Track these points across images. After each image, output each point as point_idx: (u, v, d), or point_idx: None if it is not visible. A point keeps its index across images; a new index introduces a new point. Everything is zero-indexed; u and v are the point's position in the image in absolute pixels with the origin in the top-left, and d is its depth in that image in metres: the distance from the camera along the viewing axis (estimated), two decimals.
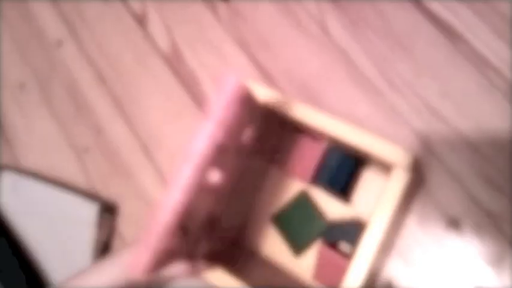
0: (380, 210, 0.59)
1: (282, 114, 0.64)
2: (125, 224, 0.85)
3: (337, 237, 0.68)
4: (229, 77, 0.51)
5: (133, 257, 0.48)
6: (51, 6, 1.02)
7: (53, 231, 0.85)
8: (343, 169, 0.68)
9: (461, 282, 0.64)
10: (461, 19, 0.72)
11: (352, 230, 0.66)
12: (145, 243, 0.49)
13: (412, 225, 0.68)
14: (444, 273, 0.65)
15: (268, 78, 0.80)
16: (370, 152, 0.60)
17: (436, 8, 0.73)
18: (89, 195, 0.87)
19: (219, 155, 0.54)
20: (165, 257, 0.52)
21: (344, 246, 0.69)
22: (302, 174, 0.72)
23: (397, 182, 0.59)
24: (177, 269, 0.58)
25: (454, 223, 0.66)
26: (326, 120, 0.63)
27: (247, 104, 0.56)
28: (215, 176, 0.59)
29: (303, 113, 0.64)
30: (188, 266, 0.58)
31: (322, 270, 0.68)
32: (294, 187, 0.74)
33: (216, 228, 0.63)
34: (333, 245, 0.68)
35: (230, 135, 0.55)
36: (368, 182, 0.70)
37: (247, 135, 0.64)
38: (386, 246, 0.68)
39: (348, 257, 0.66)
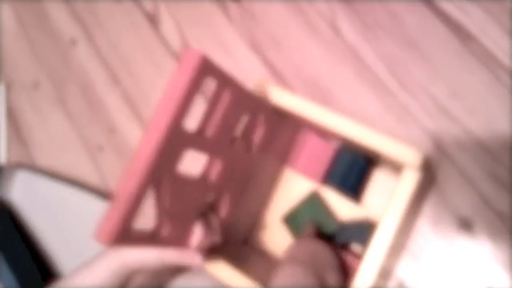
0: (391, 210, 0.59)
1: (294, 113, 0.65)
2: (137, 223, 0.85)
3: (348, 238, 0.68)
4: (191, 52, 0.48)
5: (101, 223, 0.46)
6: (64, 6, 1.03)
7: (66, 230, 0.86)
8: (354, 170, 0.69)
9: (473, 284, 0.64)
10: (473, 18, 0.71)
11: (363, 231, 0.66)
12: (113, 207, 0.46)
13: (424, 226, 0.68)
14: (456, 274, 0.65)
15: (279, 78, 0.81)
16: (381, 151, 0.60)
17: (447, 7, 0.73)
18: (102, 194, 0.88)
19: (201, 142, 0.53)
20: (148, 238, 0.51)
21: (355, 247, 0.69)
22: (313, 175, 0.72)
23: (408, 182, 0.59)
24: (169, 254, 0.56)
25: (465, 224, 0.66)
26: (337, 119, 0.63)
27: (227, 87, 0.55)
28: (202, 165, 0.58)
29: (314, 112, 0.64)
30: (182, 254, 0.57)
31: None
32: (305, 187, 0.74)
33: (213, 223, 0.62)
34: (344, 246, 0.69)
35: (215, 123, 0.54)
36: (380, 182, 0.70)
37: (257, 134, 0.64)
38: (397, 247, 0.68)
39: (359, 257, 0.66)
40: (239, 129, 0.62)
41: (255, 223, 0.76)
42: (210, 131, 0.54)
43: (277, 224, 0.75)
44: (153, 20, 0.94)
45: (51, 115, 0.98)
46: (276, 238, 0.75)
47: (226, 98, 0.55)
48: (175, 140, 0.49)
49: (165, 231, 0.53)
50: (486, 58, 0.70)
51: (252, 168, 0.65)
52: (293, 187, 0.75)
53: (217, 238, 0.60)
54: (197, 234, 0.58)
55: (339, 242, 0.69)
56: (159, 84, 0.90)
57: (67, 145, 0.95)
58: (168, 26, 0.92)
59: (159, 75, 0.90)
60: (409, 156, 0.59)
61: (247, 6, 0.86)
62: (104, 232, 0.45)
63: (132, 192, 0.46)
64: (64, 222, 0.86)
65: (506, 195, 0.65)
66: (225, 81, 0.54)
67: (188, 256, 0.58)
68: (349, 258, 0.67)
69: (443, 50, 0.73)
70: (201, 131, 0.53)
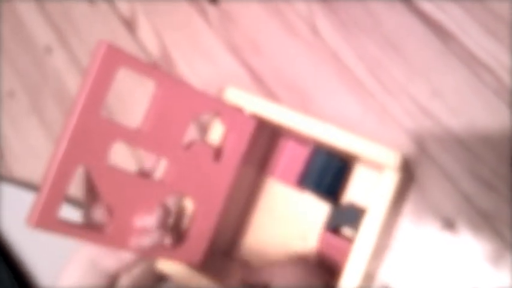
0: (371, 213, 0.59)
1: (268, 120, 0.64)
2: None
3: (339, 223, 0.68)
4: (100, 43, 0.50)
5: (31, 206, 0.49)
6: (39, 12, 1.01)
7: (47, 243, 0.84)
8: (329, 171, 0.68)
9: (459, 283, 0.64)
10: (452, 18, 0.71)
11: (354, 215, 0.66)
12: (38, 192, 0.50)
13: (407, 226, 0.68)
14: (441, 274, 0.65)
15: (259, 81, 0.80)
16: (359, 154, 0.61)
17: (427, 7, 0.73)
18: (83, 205, 0.86)
19: (136, 137, 0.55)
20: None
21: (346, 231, 0.69)
22: (291, 180, 0.71)
23: (388, 183, 0.59)
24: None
25: (448, 223, 0.66)
26: (311, 123, 0.63)
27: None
28: (150, 163, 0.59)
29: (289, 117, 0.64)
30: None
31: (325, 256, 0.69)
32: (284, 194, 0.73)
33: (166, 224, 0.60)
34: (335, 230, 0.69)
35: (150, 117, 0.55)
36: (360, 180, 0.70)
37: (228, 141, 0.63)
38: (381, 249, 0.68)
39: (350, 241, 0.66)
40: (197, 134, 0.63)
41: (236, 234, 0.75)
42: (146, 126, 0.55)
43: (258, 234, 0.74)
44: (130, 24, 0.92)
45: (27, 125, 0.96)
46: (257, 248, 0.74)
47: (156, 91, 0.56)
48: (95, 129, 0.51)
49: (107, 226, 0.55)
50: (466, 57, 0.70)
51: (227, 179, 0.64)
52: (273, 195, 0.74)
53: (163, 240, 0.59)
54: (141, 233, 0.56)
55: (330, 227, 0.69)
56: (137, 91, 0.88)
57: (44, 155, 0.93)
58: (145, 30, 0.91)
59: (138, 83, 0.89)
60: (388, 157, 0.59)
61: (225, 9, 0.85)
62: (30, 216, 0.49)
63: (50, 177, 0.50)
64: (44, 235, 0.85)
65: (488, 193, 0.65)
66: (147, 72, 0.55)
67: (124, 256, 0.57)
68: (340, 243, 0.67)
69: (423, 50, 0.72)
70: (138, 127, 0.55)
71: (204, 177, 0.62)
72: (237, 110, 0.64)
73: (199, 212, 0.62)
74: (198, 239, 0.63)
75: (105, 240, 0.55)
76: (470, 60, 0.69)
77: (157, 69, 0.57)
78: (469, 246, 0.64)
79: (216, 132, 0.65)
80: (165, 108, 0.56)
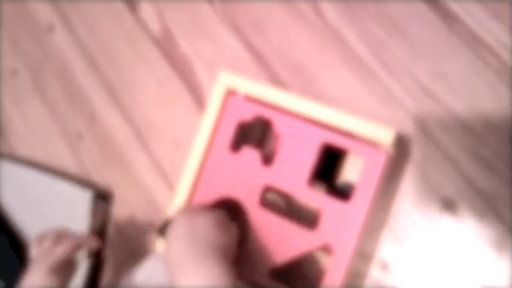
0: (361, 188, 0.61)
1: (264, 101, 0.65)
2: (119, 211, 0.85)
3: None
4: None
5: None
6: None
7: (47, 219, 0.85)
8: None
9: (459, 265, 0.64)
10: (456, 0, 0.71)
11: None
12: None
13: (407, 207, 0.68)
14: (441, 255, 0.65)
15: (261, 61, 0.79)
16: (352, 131, 0.62)
17: None
18: (83, 182, 0.86)
19: None
20: None
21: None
22: None
23: (380, 159, 0.60)
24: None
25: (449, 204, 0.66)
26: (307, 104, 0.65)
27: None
28: None
29: (283, 98, 0.66)
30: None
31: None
32: None
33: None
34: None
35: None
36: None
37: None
38: (377, 227, 0.68)
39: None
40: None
41: None
42: None
43: None
44: (132, 4, 0.92)
45: (30, 104, 0.97)
46: None
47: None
48: None
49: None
50: (470, 39, 0.69)
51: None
52: None
53: None
54: None
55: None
56: (139, 70, 0.88)
57: (46, 134, 0.93)
58: (147, 10, 0.90)
59: (139, 61, 0.89)
60: (382, 134, 0.60)
61: None
62: None
63: None
64: (45, 211, 0.85)
65: (489, 175, 0.64)
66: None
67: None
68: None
69: (427, 32, 0.72)
70: None
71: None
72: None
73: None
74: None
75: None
76: (473, 42, 0.69)
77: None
78: (469, 227, 0.64)
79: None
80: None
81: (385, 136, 0.60)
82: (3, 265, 0.82)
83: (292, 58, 0.78)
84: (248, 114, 0.68)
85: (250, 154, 0.67)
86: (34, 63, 0.98)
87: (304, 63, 0.77)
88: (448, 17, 0.71)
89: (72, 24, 0.96)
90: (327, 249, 0.62)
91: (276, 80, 0.78)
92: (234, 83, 0.68)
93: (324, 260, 0.66)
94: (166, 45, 0.87)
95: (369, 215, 0.61)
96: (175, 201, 0.69)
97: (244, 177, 0.66)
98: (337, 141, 0.63)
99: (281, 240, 0.63)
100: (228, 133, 0.68)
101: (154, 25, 0.89)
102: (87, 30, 0.94)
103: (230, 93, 0.69)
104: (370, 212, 0.61)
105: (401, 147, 0.67)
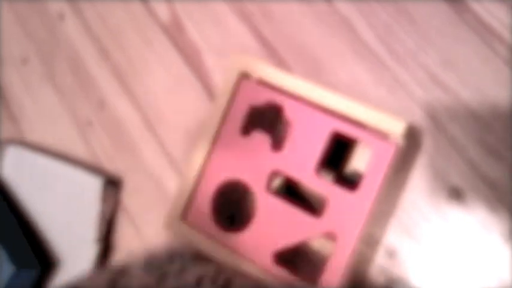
0: (369, 175, 0.61)
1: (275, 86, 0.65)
2: (128, 197, 0.85)
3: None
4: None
5: None
6: None
7: (57, 205, 0.86)
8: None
9: (466, 254, 0.64)
10: None
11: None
12: None
13: (414, 196, 0.68)
14: (449, 244, 0.65)
15: (270, 49, 0.79)
16: (363, 121, 0.61)
17: None
18: (93, 169, 0.87)
19: None
20: None
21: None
22: None
23: (390, 149, 0.60)
24: None
25: (456, 193, 0.66)
26: (319, 91, 0.64)
27: None
28: None
29: (295, 83, 0.66)
30: None
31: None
32: None
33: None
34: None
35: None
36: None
37: None
38: (384, 215, 0.68)
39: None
40: None
41: None
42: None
43: None
44: None
45: (41, 90, 0.97)
46: None
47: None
48: None
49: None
50: (479, 26, 0.69)
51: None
52: None
53: None
54: None
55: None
56: (148, 58, 0.88)
57: (56, 120, 0.94)
58: None
59: (149, 49, 0.89)
60: (392, 125, 0.60)
61: None
62: None
63: None
64: (54, 198, 0.86)
65: (496, 163, 0.64)
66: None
67: None
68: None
69: (436, 19, 0.71)
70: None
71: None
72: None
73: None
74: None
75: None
76: (482, 29, 0.68)
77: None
78: (476, 215, 0.64)
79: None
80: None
81: (396, 127, 0.60)
82: (17, 254, 0.83)
83: (300, 44, 0.78)
84: (260, 98, 0.68)
85: (260, 138, 0.67)
86: (45, 51, 0.99)
87: (312, 50, 0.77)
88: (457, 4, 0.70)
89: (83, 12, 0.97)
90: (331, 236, 0.62)
91: (282, 66, 0.78)
92: (248, 66, 0.67)
93: (329, 247, 0.66)
94: (175, 33, 0.87)
95: (374, 205, 0.61)
96: (183, 182, 0.70)
97: (253, 161, 0.66)
98: (347, 130, 0.63)
99: (286, 226, 0.63)
100: (240, 116, 0.68)
101: (162, 12, 0.89)
102: (97, 17, 0.95)
103: (243, 76, 0.69)
104: (376, 202, 0.61)
105: (411, 136, 0.67)
